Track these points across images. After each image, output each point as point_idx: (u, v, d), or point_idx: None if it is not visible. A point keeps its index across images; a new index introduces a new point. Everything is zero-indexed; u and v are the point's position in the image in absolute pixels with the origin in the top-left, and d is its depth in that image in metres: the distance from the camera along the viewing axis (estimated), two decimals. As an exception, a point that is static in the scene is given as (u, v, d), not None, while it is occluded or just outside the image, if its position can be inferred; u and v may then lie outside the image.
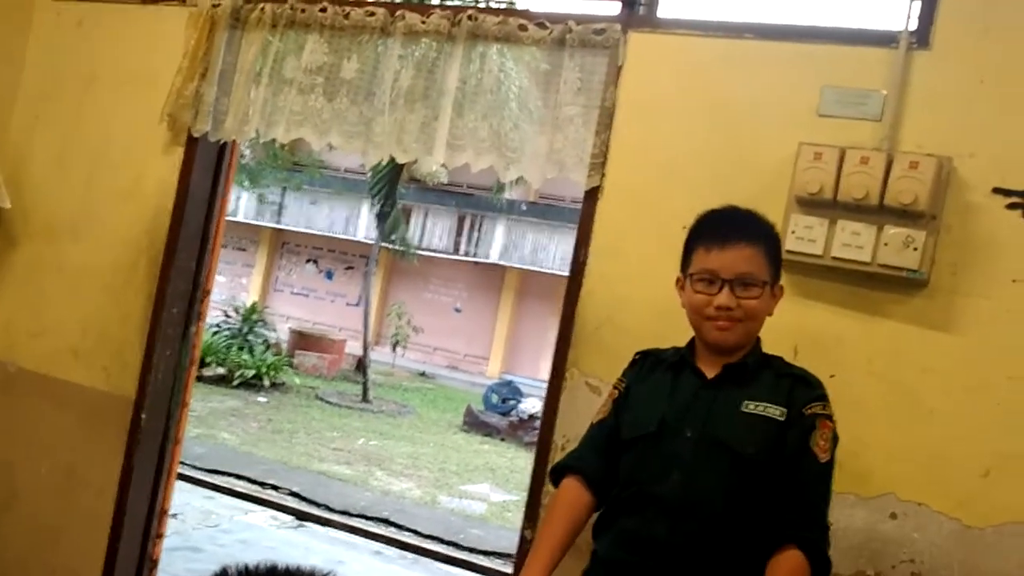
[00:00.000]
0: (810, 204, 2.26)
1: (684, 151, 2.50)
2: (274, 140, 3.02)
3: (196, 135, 3.11)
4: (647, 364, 2.01)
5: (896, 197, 2.14)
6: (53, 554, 3.33)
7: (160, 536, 3.34)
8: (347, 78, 2.78)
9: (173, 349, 3.25)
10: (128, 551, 3.22)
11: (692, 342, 1.95)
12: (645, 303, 2.47)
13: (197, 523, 6.36)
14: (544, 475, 2.41)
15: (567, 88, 2.57)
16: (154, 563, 3.34)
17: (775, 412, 1.82)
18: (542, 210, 17.58)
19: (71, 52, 3.52)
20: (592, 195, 2.57)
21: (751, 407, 1.83)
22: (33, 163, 3.54)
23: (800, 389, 1.86)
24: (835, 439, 1.85)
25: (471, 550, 6.78)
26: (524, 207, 17.63)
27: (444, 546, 6.81)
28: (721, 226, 1.90)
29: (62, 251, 3.45)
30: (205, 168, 3.23)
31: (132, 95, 3.33)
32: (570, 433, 2.49)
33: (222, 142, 3.14)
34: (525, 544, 2.53)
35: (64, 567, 3.31)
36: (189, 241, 3.23)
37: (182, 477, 5.87)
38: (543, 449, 2.57)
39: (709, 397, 1.87)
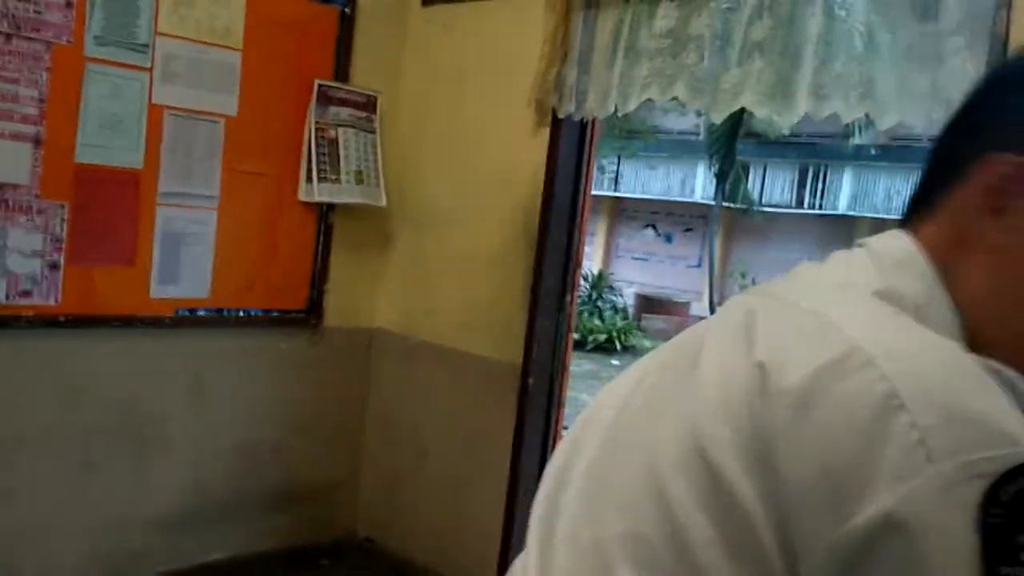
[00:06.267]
0: None
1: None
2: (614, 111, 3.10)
3: (561, 116, 3.28)
4: None
5: None
6: (461, 503, 3.74)
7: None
8: (694, 34, 2.77)
9: (551, 318, 3.48)
10: (525, 502, 3.52)
11: None
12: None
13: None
14: None
15: (948, 17, 2.36)
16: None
17: None
18: (896, 152, 16.21)
19: (443, 53, 3.87)
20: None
21: None
22: (418, 162, 3.95)
23: None
24: None
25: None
26: (874, 151, 16.41)
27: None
28: None
29: (446, 237, 3.82)
30: (569, 147, 3.41)
31: (500, 85, 3.58)
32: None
33: (584, 120, 3.29)
34: None
35: (470, 515, 3.70)
36: (560, 217, 3.43)
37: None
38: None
39: None
